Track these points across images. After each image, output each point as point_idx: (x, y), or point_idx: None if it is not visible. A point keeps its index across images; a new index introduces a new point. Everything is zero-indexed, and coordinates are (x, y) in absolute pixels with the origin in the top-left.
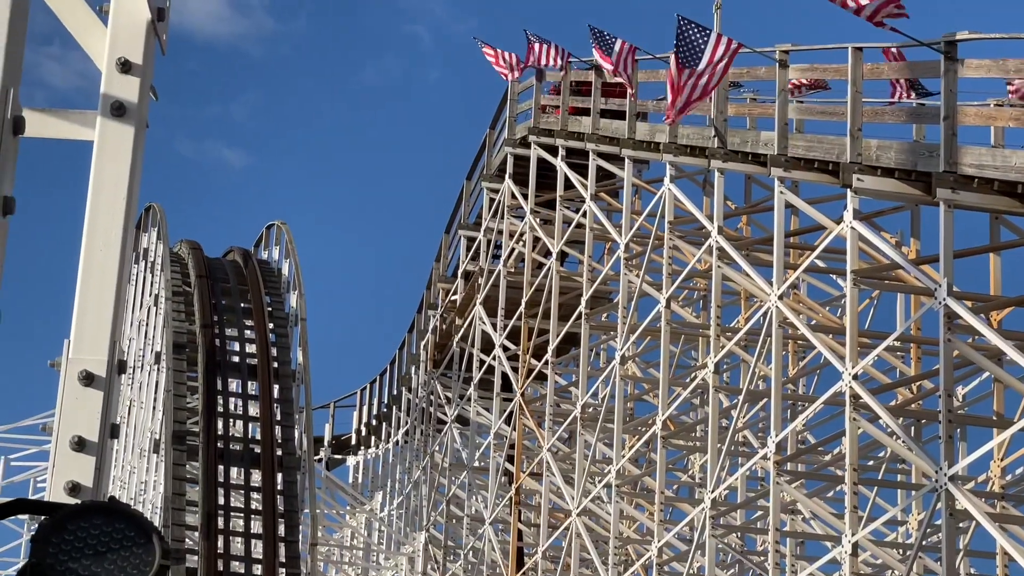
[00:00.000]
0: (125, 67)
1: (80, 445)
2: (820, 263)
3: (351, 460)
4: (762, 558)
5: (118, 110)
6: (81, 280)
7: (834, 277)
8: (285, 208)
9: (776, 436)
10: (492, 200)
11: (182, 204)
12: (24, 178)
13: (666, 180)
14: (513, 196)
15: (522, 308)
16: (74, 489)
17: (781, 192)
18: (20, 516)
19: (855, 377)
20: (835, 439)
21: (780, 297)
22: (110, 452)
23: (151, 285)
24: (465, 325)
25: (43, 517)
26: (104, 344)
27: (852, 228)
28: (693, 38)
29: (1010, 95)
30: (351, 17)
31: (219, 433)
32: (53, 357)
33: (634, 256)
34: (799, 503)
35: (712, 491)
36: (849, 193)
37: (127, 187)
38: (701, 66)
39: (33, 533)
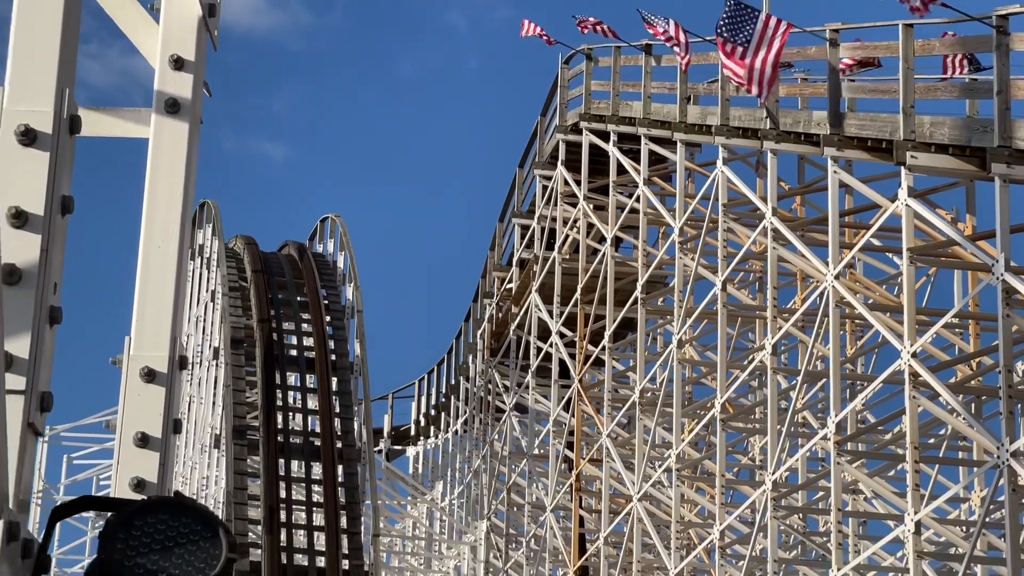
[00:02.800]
0: (178, 64)
1: (144, 441)
2: (876, 242)
3: (411, 450)
4: (824, 539)
5: (172, 107)
6: (140, 277)
7: (890, 255)
8: (331, 200)
9: (836, 416)
10: (545, 187)
11: (227, 199)
12: (81, 177)
13: (719, 163)
14: (566, 183)
15: (578, 294)
16: (139, 485)
17: (835, 172)
18: (85, 513)
19: (914, 355)
20: (895, 418)
21: (836, 277)
22: (173, 447)
23: (208, 281)
24: (521, 313)
25: (109, 514)
26: (165, 341)
27: (907, 206)
28: (742, 19)
29: None
30: (386, 8)
31: (279, 427)
32: (114, 355)
33: (689, 239)
34: (860, 483)
35: (773, 473)
36: (903, 171)
37: (183, 184)
38: (752, 47)
39: (100, 530)
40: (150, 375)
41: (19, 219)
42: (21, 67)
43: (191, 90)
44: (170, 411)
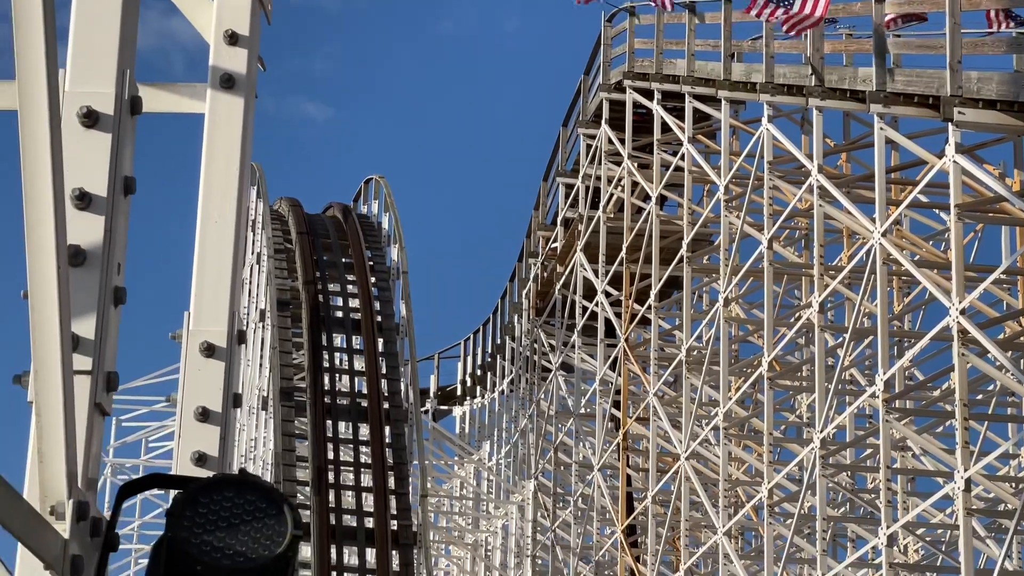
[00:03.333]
0: (233, 39)
1: (204, 416)
2: (923, 198)
3: (457, 411)
4: (873, 496)
5: (227, 82)
6: (198, 253)
7: (937, 212)
8: (373, 161)
9: (884, 374)
10: (589, 146)
11: (271, 161)
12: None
13: (764, 120)
14: (610, 141)
15: (623, 253)
16: (200, 459)
17: (881, 128)
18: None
19: (962, 312)
20: (943, 375)
21: (883, 234)
22: (234, 422)
23: (253, 244)
24: (566, 272)
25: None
26: (224, 315)
27: (954, 162)
28: None
29: None
30: None
31: (326, 388)
32: (169, 327)
33: (734, 197)
34: (909, 440)
35: (821, 431)
36: (950, 126)
37: (239, 159)
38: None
39: (168, 508)
40: (209, 350)
41: (83, 201)
42: (82, 49)
43: (246, 65)
44: (230, 385)
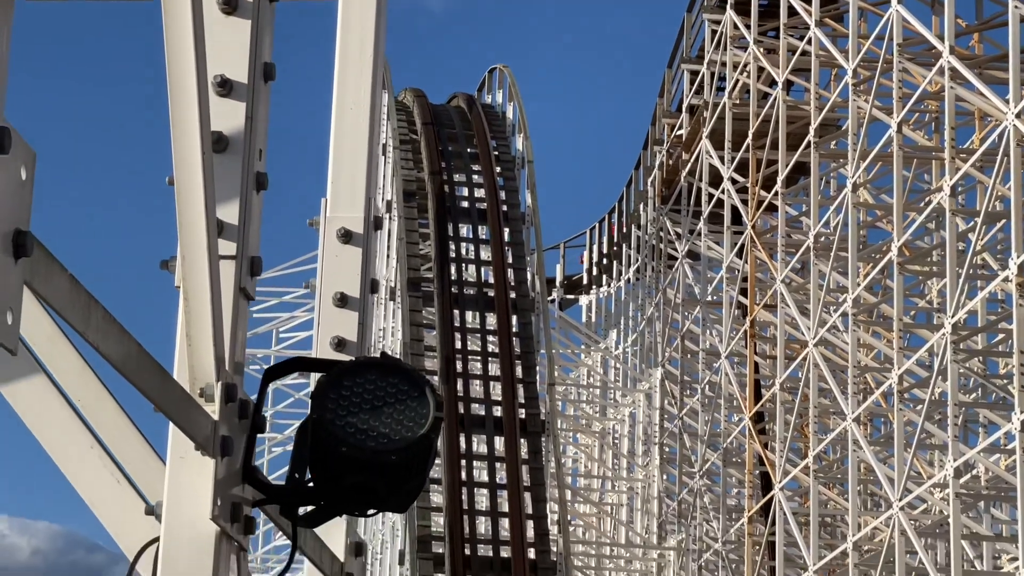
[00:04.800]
0: None
1: (343, 301)
2: None
3: (583, 300)
4: (1006, 381)
5: None
6: (334, 140)
7: None
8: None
9: (1017, 257)
10: (714, 32)
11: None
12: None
13: (893, 1)
14: (735, 26)
15: (749, 140)
16: (340, 344)
17: (1016, 6)
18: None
19: None
20: None
21: (1017, 115)
22: (372, 307)
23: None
24: (692, 159)
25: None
26: (360, 201)
27: None
28: None
29: None
30: None
31: (453, 278)
32: (309, 215)
33: (862, 81)
34: None
35: (952, 316)
36: None
37: (373, 44)
38: None
39: (312, 390)
40: (346, 236)
41: (224, 87)
42: None
43: None
44: (367, 271)
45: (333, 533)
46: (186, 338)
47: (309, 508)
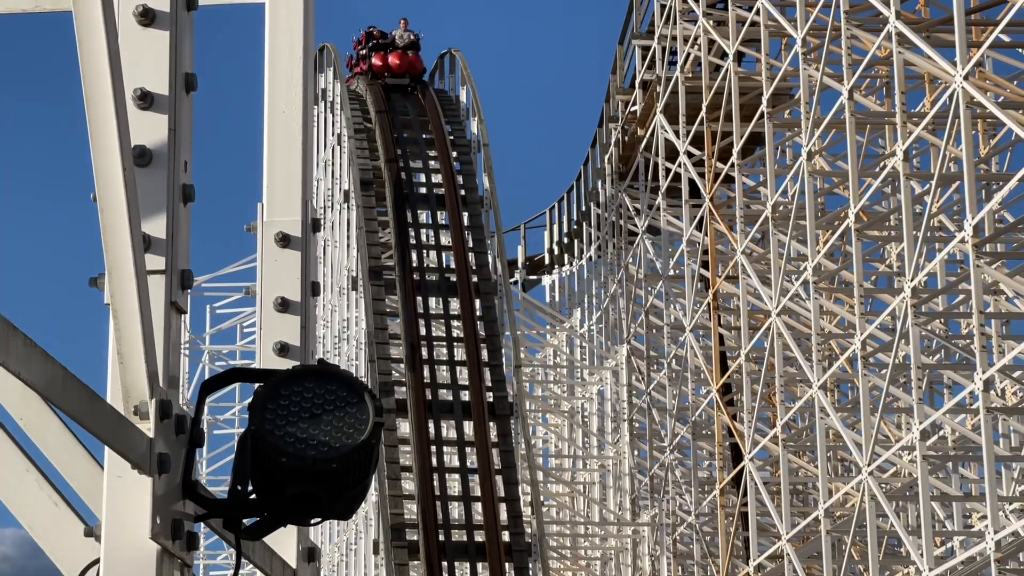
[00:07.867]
0: None
1: (284, 306)
2: (1005, 38)
3: (546, 279)
4: (968, 341)
5: None
6: (268, 144)
7: (1021, 51)
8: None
9: (972, 218)
10: (663, 6)
11: (344, 40)
12: (199, 49)
13: None
14: (684, 0)
15: (703, 112)
16: (283, 349)
17: None
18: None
19: None
20: None
21: (966, 77)
22: (313, 310)
23: (333, 125)
24: (647, 135)
25: (257, 384)
26: (296, 205)
27: None
28: None
29: None
30: None
31: (414, 265)
32: (248, 221)
33: (812, 49)
34: (1001, 283)
35: (911, 279)
36: None
37: (302, 46)
38: None
39: (250, 401)
40: (285, 240)
41: (145, 100)
42: None
43: None
44: (307, 274)
45: (284, 540)
46: (118, 356)
47: (254, 519)
